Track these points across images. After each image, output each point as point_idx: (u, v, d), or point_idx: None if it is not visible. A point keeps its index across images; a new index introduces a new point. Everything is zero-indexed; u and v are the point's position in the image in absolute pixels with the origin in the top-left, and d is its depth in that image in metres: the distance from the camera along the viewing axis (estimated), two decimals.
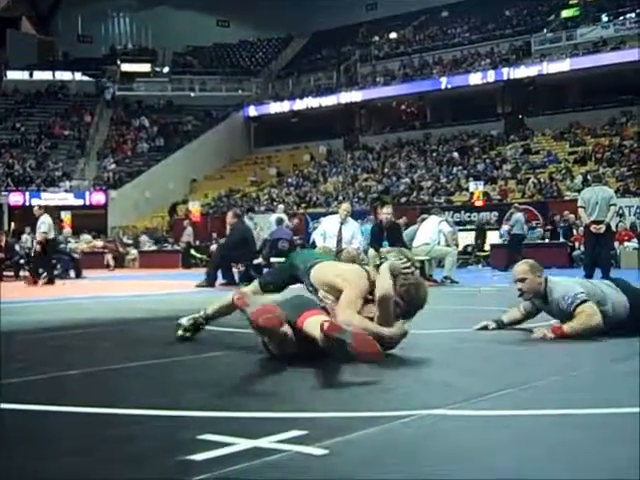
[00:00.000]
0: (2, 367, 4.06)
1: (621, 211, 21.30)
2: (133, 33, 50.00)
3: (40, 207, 16.61)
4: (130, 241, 30.97)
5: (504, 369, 4.07)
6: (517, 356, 4.53)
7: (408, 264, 4.42)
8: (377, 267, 4.42)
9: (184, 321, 5.02)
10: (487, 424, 2.77)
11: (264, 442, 2.39)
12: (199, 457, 2.24)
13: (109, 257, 26.52)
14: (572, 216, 21.00)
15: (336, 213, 12.98)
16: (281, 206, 21.90)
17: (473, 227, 25.08)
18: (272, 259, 14.99)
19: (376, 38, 44.00)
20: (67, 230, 25.12)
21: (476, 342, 5.04)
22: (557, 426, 2.70)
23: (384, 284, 4.24)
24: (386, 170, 34.34)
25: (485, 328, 5.44)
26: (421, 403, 3.07)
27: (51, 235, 15.53)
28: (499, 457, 2.31)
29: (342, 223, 12.23)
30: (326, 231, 12.35)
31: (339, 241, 11.99)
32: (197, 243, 26.86)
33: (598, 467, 2.20)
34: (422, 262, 12.29)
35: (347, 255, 5.35)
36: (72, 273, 18.79)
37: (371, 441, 2.48)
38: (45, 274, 15.78)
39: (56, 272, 18.98)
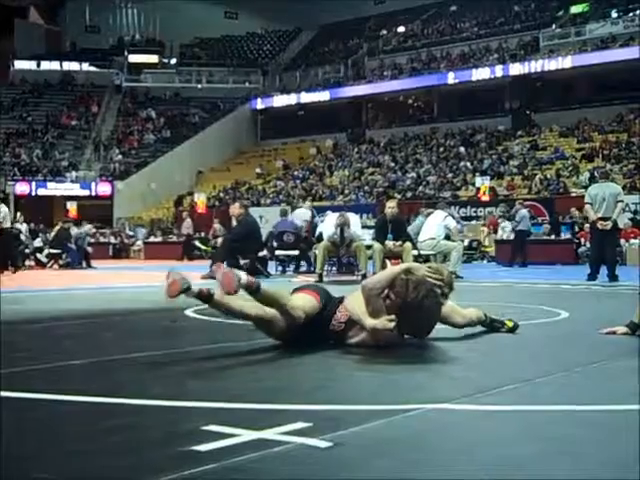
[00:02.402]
0: (6, 356, 4.07)
1: (628, 208, 21.21)
2: (141, 24, 50.02)
3: None
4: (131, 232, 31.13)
5: (508, 364, 4.05)
6: (523, 351, 4.51)
7: (438, 281, 4.18)
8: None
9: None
10: (491, 419, 2.76)
11: (269, 434, 2.39)
12: (203, 448, 2.24)
13: None
14: (578, 213, 20.96)
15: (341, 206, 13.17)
16: (307, 203, 21.89)
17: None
18: (277, 252, 15.00)
19: (384, 32, 43.92)
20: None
21: (479, 336, 5.02)
22: (561, 422, 2.70)
23: (381, 276, 4.21)
24: (392, 164, 34.29)
25: (613, 333, 4.80)
26: (426, 397, 3.06)
27: (6, 224, 15.50)
28: (502, 452, 2.30)
29: None
30: (331, 224, 12.61)
31: (342, 232, 12.31)
32: (202, 235, 26.86)
33: (602, 463, 2.19)
34: (427, 257, 12.35)
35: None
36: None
37: (376, 434, 2.48)
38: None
39: (61, 262, 19.15)
